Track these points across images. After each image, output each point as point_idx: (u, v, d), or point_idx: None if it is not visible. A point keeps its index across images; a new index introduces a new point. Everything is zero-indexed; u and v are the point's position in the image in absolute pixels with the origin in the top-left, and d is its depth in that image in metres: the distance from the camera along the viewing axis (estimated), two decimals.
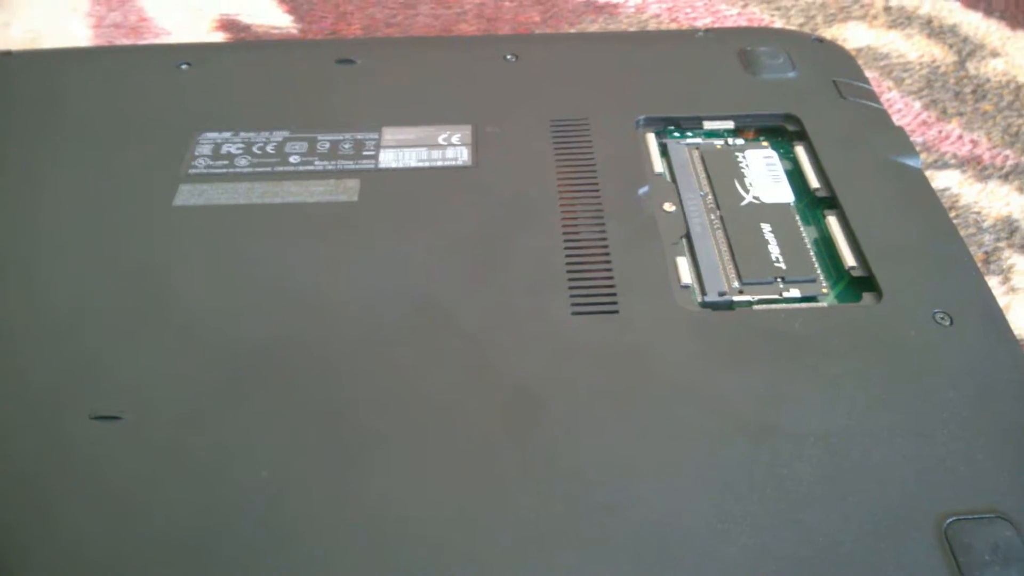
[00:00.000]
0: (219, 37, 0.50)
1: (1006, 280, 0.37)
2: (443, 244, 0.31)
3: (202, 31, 0.51)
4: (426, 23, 0.51)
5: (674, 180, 0.35)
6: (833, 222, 0.33)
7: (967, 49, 0.49)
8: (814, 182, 0.34)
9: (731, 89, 0.38)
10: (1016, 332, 0.29)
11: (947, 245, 0.31)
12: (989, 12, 0.52)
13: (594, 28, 0.51)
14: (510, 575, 0.23)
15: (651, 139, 0.36)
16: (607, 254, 0.31)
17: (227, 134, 0.36)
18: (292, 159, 0.34)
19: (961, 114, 0.45)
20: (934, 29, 0.51)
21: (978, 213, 0.40)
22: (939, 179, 0.41)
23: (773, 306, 0.30)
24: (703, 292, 0.30)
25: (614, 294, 0.29)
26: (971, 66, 0.48)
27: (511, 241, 0.31)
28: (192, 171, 0.34)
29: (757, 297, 0.30)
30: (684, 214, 0.33)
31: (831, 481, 0.24)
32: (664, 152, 0.36)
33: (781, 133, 0.37)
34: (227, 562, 0.23)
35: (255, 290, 0.30)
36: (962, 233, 0.33)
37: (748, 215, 0.33)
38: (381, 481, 0.25)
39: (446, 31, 0.51)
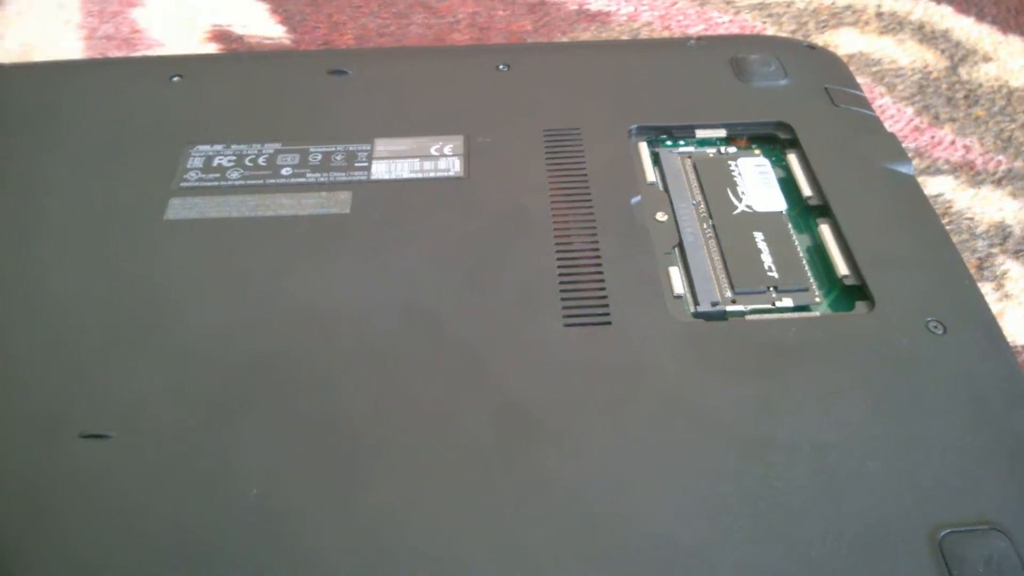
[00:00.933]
0: (212, 48, 0.50)
1: (1000, 287, 0.37)
2: (435, 256, 0.31)
3: (195, 42, 0.50)
4: (419, 33, 0.51)
5: (666, 189, 0.35)
6: (826, 230, 0.33)
7: (959, 54, 0.49)
8: (807, 190, 0.34)
9: (723, 97, 0.38)
10: (1010, 339, 0.29)
11: (940, 252, 0.31)
12: (981, 17, 0.52)
13: (586, 36, 0.51)
14: None
15: (643, 148, 0.36)
16: (599, 265, 0.31)
17: (219, 146, 0.35)
18: (284, 171, 0.34)
19: (953, 119, 0.45)
20: (926, 34, 0.51)
21: (971, 219, 0.39)
22: (932, 185, 0.41)
23: (766, 316, 0.30)
24: (696, 302, 0.30)
25: (607, 305, 0.29)
26: (963, 71, 0.48)
27: (504, 252, 0.31)
28: (184, 184, 0.34)
29: (750, 307, 0.30)
30: (677, 224, 0.33)
31: (824, 493, 0.24)
32: (656, 161, 0.36)
33: (773, 141, 0.37)
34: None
35: (246, 305, 0.29)
36: (955, 239, 0.33)
37: (741, 224, 0.33)
38: (373, 496, 0.25)
39: (439, 40, 0.51)
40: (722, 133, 0.37)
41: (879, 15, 0.52)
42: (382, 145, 0.36)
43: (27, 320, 0.29)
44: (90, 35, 0.51)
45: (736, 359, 0.28)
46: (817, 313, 0.30)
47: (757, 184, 0.35)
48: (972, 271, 0.33)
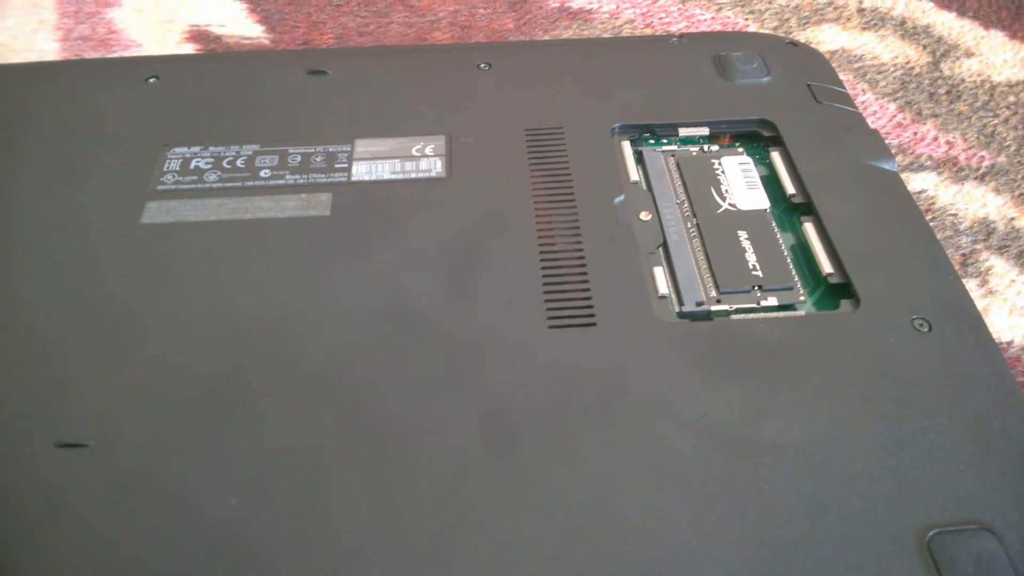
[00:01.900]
0: (189, 48, 0.49)
1: (984, 283, 0.37)
2: (417, 257, 0.31)
3: (172, 43, 0.50)
4: (399, 31, 0.51)
5: (650, 188, 0.34)
6: (810, 228, 0.32)
7: (941, 49, 0.49)
8: (790, 188, 0.34)
9: (706, 95, 0.38)
10: (995, 335, 0.29)
11: (924, 249, 0.31)
12: (963, 12, 0.52)
13: (568, 34, 0.50)
14: None
15: (626, 147, 0.36)
16: (583, 265, 0.30)
17: (196, 148, 0.35)
18: (263, 173, 0.34)
19: (936, 115, 0.45)
20: (908, 30, 0.51)
21: (955, 215, 0.39)
22: (915, 181, 0.41)
23: (751, 316, 0.30)
24: (680, 302, 0.30)
25: (591, 306, 0.29)
26: (945, 67, 0.48)
27: (486, 253, 0.31)
28: (161, 187, 0.33)
29: (735, 306, 0.30)
30: (661, 223, 0.33)
31: (811, 495, 0.24)
32: (640, 160, 0.36)
33: (756, 139, 0.37)
34: None
35: (224, 312, 0.29)
36: (939, 236, 0.33)
37: (725, 223, 0.33)
38: (353, 505, 0.24)
39: (420, 39, 0.50)
40: (705, 131, 0.37)
41: (861, 11, 0.52)
42: (362, 146, 0.35)
43: (0, 325, 0.29)
44: (66, 36, 0.50)
45: (721, 359, 0.27)
46: (802, 312, 0.30)
47: (740, 182, 0.34)
48: (956, 267, 0.33)
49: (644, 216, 0.33)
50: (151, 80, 0.39)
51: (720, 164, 0.35)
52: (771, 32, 0.51)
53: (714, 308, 0.30)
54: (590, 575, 0.23)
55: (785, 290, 0.30)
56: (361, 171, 0.34)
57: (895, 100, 0.46)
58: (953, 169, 0.42)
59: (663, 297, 0.30)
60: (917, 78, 0.47)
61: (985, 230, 0.39)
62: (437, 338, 0.28)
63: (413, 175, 0.34)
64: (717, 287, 0.30)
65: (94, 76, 0.40)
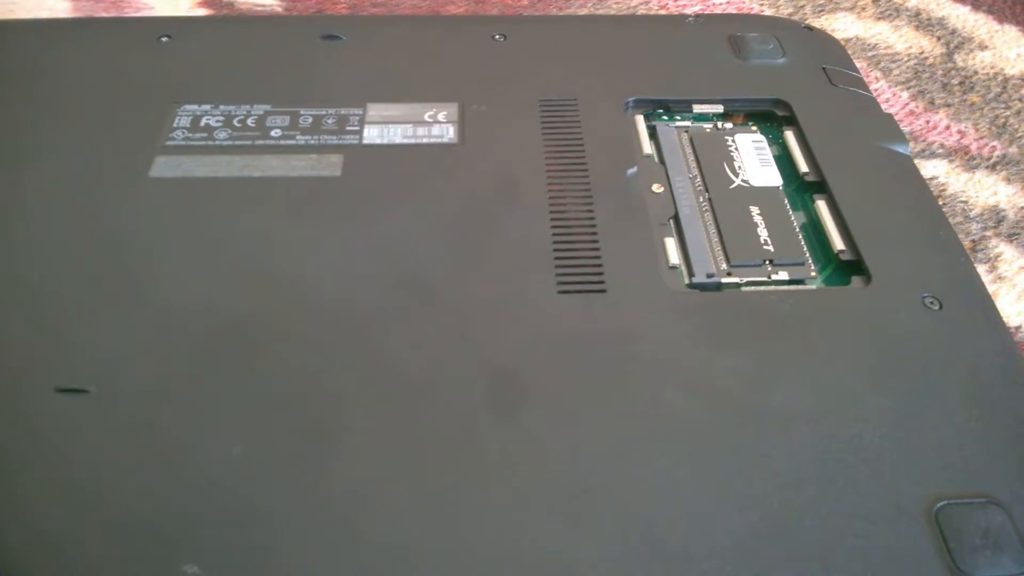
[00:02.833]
0: (201, 13, 0.49)
1: (993, 268, 0.36)
2: (427, 221, 0.30)
3: (184, 7, 0.50)
4: (413, 4, 0.50)
5: (663, 162, 0.34)
6: (822, 206, 0.32)
7: (955, 41, 0.49)
8: (803, 166, 0.34)
9: (721, 73, 0.38)
10: (1004, 319, 0.29)
11: (936, 230, 0.31)
12: (977, 6, 0.52)
13: (583, 13, 0.50)
14: (493, 558, 0.22)
15: (640, 121, 0.36)
16: (595, 233, 0.30)
17: (207, 106, 0.35)
18: (273, 133, 0.34)
19: (949, 105, 0.45)
20: (922, 21, 0.50)
21: (965, 202, 0.39)
22: (927, 168, 0.41)
23: (761, 288, 0.30)
24: (691, 273, 0.30)
25: (601, 273, 0.29)
26: (959, 58, 0.48)
27: (497, 219, 0.31)
28: (170, 143, 0.33)
29: (745, 279, 0.30)
30: (673, 195, 0.32)
31: (820, 464, 0.24)
32: (653, 134, 0.36)
33: (770, 118, 0.37)
34: (195, 540, 0.22)
35: (231, 264, 0.29)
36: (949, 222, 0.33)
37: (737, 198, 0.32)
38: (359, 460, 0.24)
39: (434, 12, 0.50)
40: (719, 109, 0.37)
41: (876, 1, 0.52)
42: (375, 110, 0.35)
43: (6, 272, 0.28)
44: None
45: (731, 329, 0.27)
46: (812, 287, 0.30)
47: (754, 160, 0.34)
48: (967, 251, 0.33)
49: (656, 188, 0.33)
50: (163, 39, 0.38)
51: (734, 141, 0.35)
52: (786, 17, 0.51)
53: (724, 280, 0.30)
54: (596, 537, 0.22)
55: (796, 265, 0.30)
56: (373, 134, 0.34)
57: (908, 89, 0.46)
58: (964, 157, 0.42)
59: (674, 267, 0.30)
60: (930, 68, 0.47)
61: (995, 217, 0.39)
62: (445, 300, 0.28)
63: (425, 140, 0.34)
64: (728, 260, 0.30)
65: (106, 34, 0.40)
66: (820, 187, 0.33)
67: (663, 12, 0.51)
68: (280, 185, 0.32)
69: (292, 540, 0.22)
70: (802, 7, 0.51)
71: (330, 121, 0.34)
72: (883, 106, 0.45)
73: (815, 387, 0.26)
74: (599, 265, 0.29)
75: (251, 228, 0.30)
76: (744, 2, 0.52)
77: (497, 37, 0.39)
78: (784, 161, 0.35)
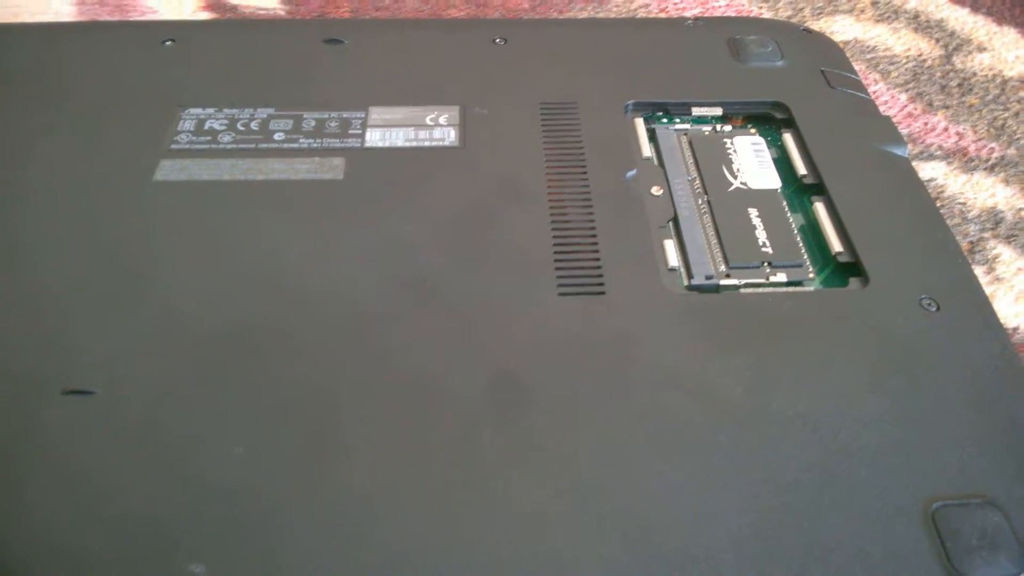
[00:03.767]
0: (205, 17, 0.49)
1: (991, 270, 0.37)
2: (429, 223, 0.31)
3: (188, 11, 0.50)
4: (415, 7, 0.51)
5: (662, 165, 0.34)
6: (820, 208, 0.32)
7: (953, 44, 0.49)
8: (801, 169, 0.34)
9: (720, 76, 0.38)
10: (1001, 321, 0.29)
11: (933, 232, 0.31)
12: (976, 8, 0.52)
13: (583, 16, 0.50)
14: (494, 560, 0.23)
15: (639, 124, 0.36)
16: (594, 236, 0.30)
17: (211, 110, 0.35)
18: (276, 136, 0.34)
19: (947, 107, 0.45)
20: (921, 23, 0.51)
21: (963, 204, 0.40)
22: (925, 170, 0.41)
23: (759, 290, 0.30)
24: (690, 275, 0.30)
25: (600, 275, 0.29)
26: (957, 60, 0.48)
27: (498, 221, 0.31)
28: (174, 146, 0.33)
29: (744, 281, 0.30)
30: (672, 198, 0.33)
31: (818, 465, 0.24)
32: (652, 137, 0.36)
33: (769, 121, 0.37)
34: (200, 540, 0.23)
35: (235, 267, 0.29)
36: (947, 223, 0.33)
37: (735, 200, 0.33)
38: (360, 462, 0.24)
39: (435, 16, 0.50)
40: (718, 111, 0.37)
41: (875, 3, 0.52)
42: (377, 113, 0.35)
43: (13, 276, 0.29)
44: (81, 0, 0.50)
45: (730, 331, 0.28)
46: (810, 289, 0.30)
47: (752, 162, 0.35)
48: (964, 253, 0.33)
49: (655, 191, 0.33)
50: (167, 43, 0.39)
51: (732, 144, 0.35)
52: (785, 20, 0.51)
53: (723, 282, 0.30)
54: (595, 539, 0.23)
55: (794, 267, 0.30)
56: (375, 137, 0.34)
57: (906, 91, 0.46)
58: (963, 159, 0.42)
59: (673, 269, 0.30)
60: (929, 70, 0.47)
61: (993, 219, 0.39)
62: (446, 302, 0.28)
63: (427, 143, 0.34)
64: (727, 262, 0.30)
65: (111, 37, 0.40)
66: (818, 189, 0.33)
67: (663, 15, 0.51)
68: (283, 188, 0.32)
69: (296, 540, 0.23)
70: (801, 10, 0.52)
71: (333, 124, 0.35)
72: (882, 108, 0.45)
73: (813, 389, 0.26)
74: (599, 267, 0.29)
75: (255, 231, 0.30)
76: (743, 4, 0.52)
77: (498, 40, 0.40)
78: (783, 163, 0.35)
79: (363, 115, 0.35)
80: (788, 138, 0.36)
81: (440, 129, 0.35)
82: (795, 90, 0.38)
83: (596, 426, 0.25)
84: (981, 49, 0.49)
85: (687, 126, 0.37)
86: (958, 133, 0.43)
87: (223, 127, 0.34)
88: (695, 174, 0.34)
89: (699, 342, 0.27)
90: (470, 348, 0.27)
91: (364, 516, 0.23)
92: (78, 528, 0.23)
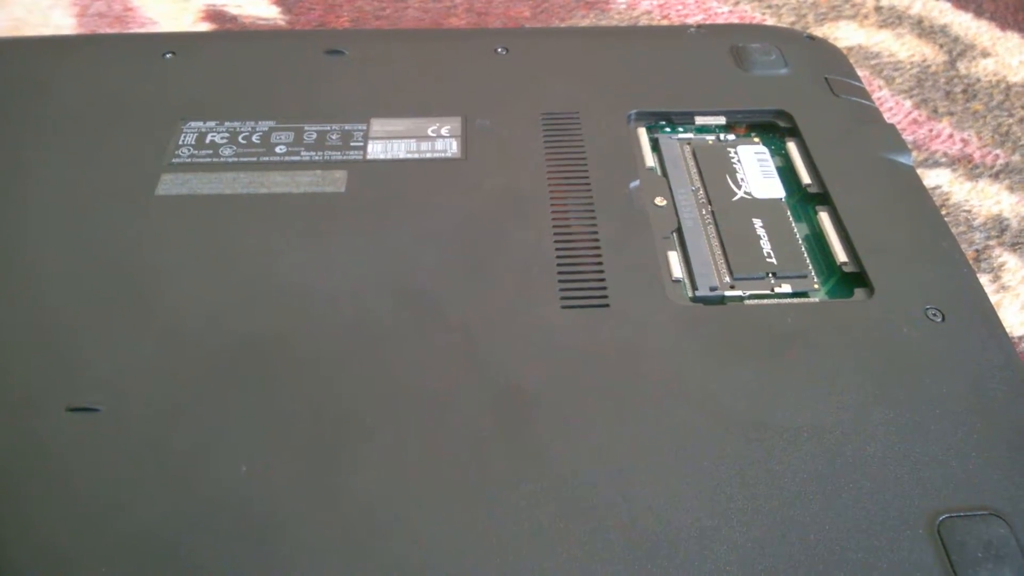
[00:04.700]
0: (205, 28, 0.49)
1: (996, 278, 0.36)
2: (432, 236, 0.31)
3: (188, 22, 0.50)
4: (416, 16, 0.51)
5: (665, 175, 0.34)
6: (825, 218, 0.32)
7: (957, 49, 0.49)
8: (806, 178, 0.34)
9: (723, 85, 0.38)
10: (1007, 330, 0.29)
11: (938, 241, 0.31)
12: (979, 13, 0.52)
13: (585, 24, 0.50)
14: (500, 574, 0.22)
15: (642, 134, 0.36)
16: (598, 247, 0.30)
17: (212, 123, 0.35)
18: (278, 149, 0.34)
19: (951, 113, 0.45)
20: (925, 29, 0.51)
21: (968, 211, 0.39)
22: (930, 177, 0.41)
23: (764, 301, 0.30)
24: (694, 287, 0.30)
25: (604, 288, 0.29)
26: (962, 66, 0.48)
27: (501, 234, 0.31)
28: (175, 160, 0.33)
29: (748, 292, 0.30)
30: (676, 208, 0.33)
31: (823, 477, 0.24)
32: (656, 147, 0.36)
33: (773, 129, 0.37)
34: (204, 558, 0.23)
35: (238, 281, 0.29)
36: (952, 231, 0.33)
37: (740, 210, 0.33)
38: (365, 477, 0.24)
39: (436, 25, 0.50)
40: (722, 120, 0.37)
41: (878, 9, 0.52)
42: (378, 125, 0.35)
43: (15, 293, 0.29)
44: (82, 12, 0.50)
45: (734, 343, 0.27)
46: (816, 300, 0.30)
47: (756, 171, 0.34)
48: (969, 262, 0.33)
49: (659, 201, 0.33)
50: (168, 56, 0.39)
51: (736, 153, 0.35)
52: (788, 27, 0.51)
53: (727, 293, 0.30)
54: (601, 552, 0.23)
55: (799, 277, 0.30)
56: (376, 150, 0.34)
57: (911, 97, 0.46)
58: (968, 166, 0.42)
59: (677, 281, 0.30)
60: (933, 76, 0.47)
61: (999, 227, 0.39)
62: (450, 315, 0.28)
63: (429, 155, 0.34)
64: (731, 273, 0.30)
65: (111, 50, 0.40)
66: (823, 199, 0.33)
67: (665, 23, 0.51)
68: (285, 201, 0.32)
69: (301, 557, 0.22)
70: (804, 16, 0.52)
71: (334, 137, 0.35)
72: (886, 115, 0.45)
73: (818, 401, 0.26)
74: (602, 279, 0.29)
75: (257, 245, 0.30)
76: (746, 11, 0.52)
77: (500, 50, 0.39)
78: (787, 173, 0.35)
79: (365, 127, 0.35)
80: (792, 147, 0.35)
81: (442, 140, 0.35)
82: (799, 98, 0.37)
83: (601, 439, 0.25)
84: (985, 54, 0.49)
85: (690, 135, 0.37)
86: (963, 139, 0.43)
87: (224, 140, 0.34)
88: (699, 184, 0.34)
89: (704, 355, 0.27)
90: (474, 361, 0.27)
91: (370, 531, 0.23)
92: (83, 546, 0.23)
